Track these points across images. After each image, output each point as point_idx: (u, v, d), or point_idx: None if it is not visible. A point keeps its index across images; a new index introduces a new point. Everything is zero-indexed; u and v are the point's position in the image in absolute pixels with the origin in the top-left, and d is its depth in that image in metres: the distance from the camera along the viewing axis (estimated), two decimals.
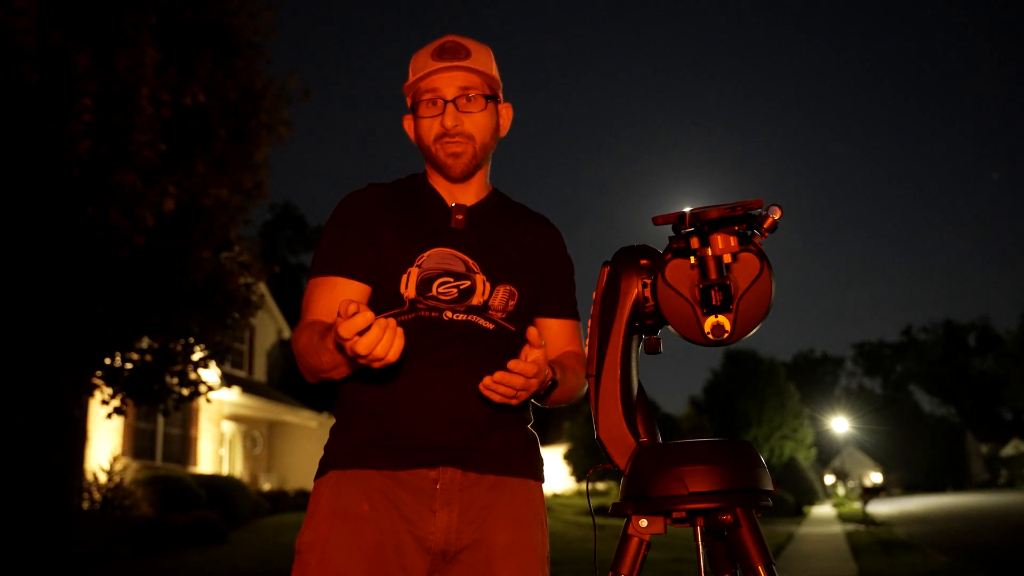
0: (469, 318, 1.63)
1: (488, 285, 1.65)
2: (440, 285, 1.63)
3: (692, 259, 1.28)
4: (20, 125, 7.96)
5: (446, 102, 1.67)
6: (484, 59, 1.71)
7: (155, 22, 9.12)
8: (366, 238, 1.67)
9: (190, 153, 9.83)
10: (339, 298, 1.63)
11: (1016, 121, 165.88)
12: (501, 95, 1.76)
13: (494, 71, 1.73)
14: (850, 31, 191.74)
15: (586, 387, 1.76)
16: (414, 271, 1.63)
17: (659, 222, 1.29)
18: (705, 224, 1.25)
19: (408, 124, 1.78)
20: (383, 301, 1.64)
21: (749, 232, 1.28)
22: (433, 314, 1.62)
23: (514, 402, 1.51)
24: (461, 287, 1.63)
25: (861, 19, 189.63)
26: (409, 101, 1.74)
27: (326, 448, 1.66)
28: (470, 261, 1.66)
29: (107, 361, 9.93)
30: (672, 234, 1.30)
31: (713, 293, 1.26)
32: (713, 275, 1.26)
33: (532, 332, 1.48)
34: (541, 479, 1.72)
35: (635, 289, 1.40)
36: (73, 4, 8.64)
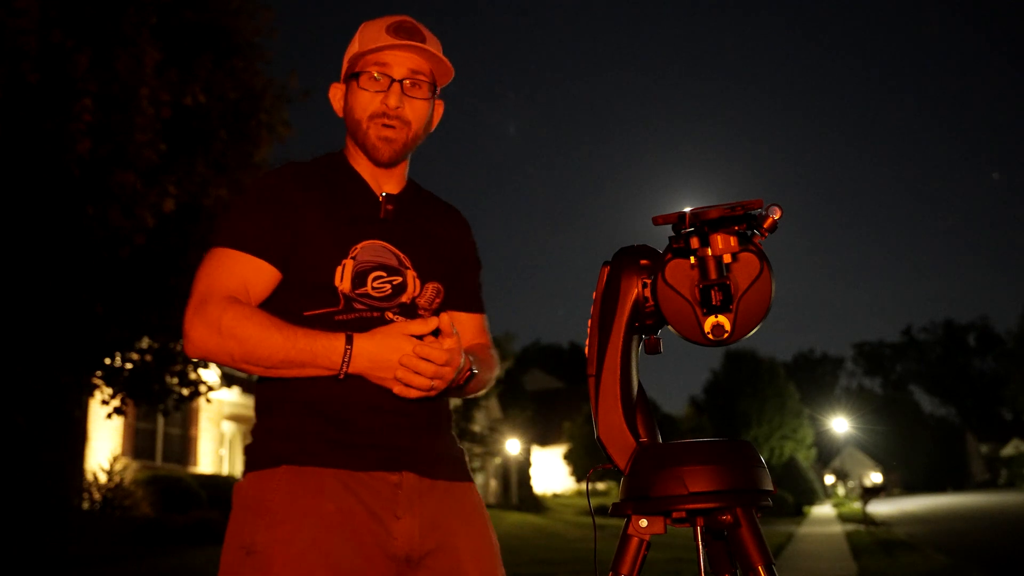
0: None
1: (418, 282, 1.62)
2: (375, 280, 1.57)
3: (692, 259, 1.28)
4: (20, 125, 7.97)
5: (393, 80, 1.59)
6: (436, 48, 1.64)
7: (155, 22, 9.12)
8: (285, 221, 1.56)
9: (190, 153, 9.83)
10: (252, 280, 1.53)
11: (1016, 121, 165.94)
12: (440, 90, 1.70)
13: (445, 63, 1.66)
14: (851, 31, 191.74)
15: (495, 379, 1.78)
16: (349, 263, 1.56)
17: (659, 222, 1.29)
18: (705, 224, 1.24)
19: (336, 93, 1.69)
20: (315, 296, 1.55)
21: (749, 232, 1.28)
22: (375, 314, 1.56)
23: (432, 394, 1.50)
24: (394, 283, 1.59)
25: (862, 19, 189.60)
26: (346, 69, 1.65)
27: (266, 439, 1.55)
28: (401, 255, 1.62)
29: (107, 361, 9.94)
30: (672, 234, 1.30)
31: (713, 293, 1.26)
32: (713, 275, 1.26)
33: (444, 319, 1.47)
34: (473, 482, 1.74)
35: (635, 289, 1.40)
36: (73, 4, 8.64)
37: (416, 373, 1.46)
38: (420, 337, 1.48)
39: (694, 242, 1.27)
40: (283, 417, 1.55)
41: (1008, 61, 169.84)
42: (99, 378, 10.11)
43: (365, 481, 1.51)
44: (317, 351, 1.46)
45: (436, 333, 1.51)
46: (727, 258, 1.24)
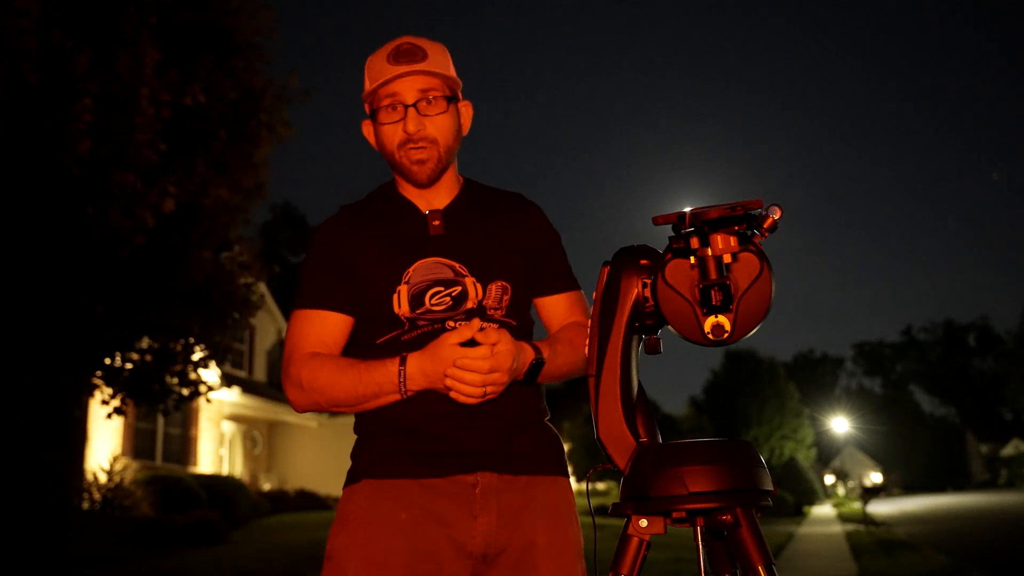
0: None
1: (479, 286, 1.64)
2: (432, 296, 1.62)
3: (692, 259, 1.28)
4: (20, 125, 7.96)
5: (407, 107, 1.64)
6: (441, 59, 1.68)
7: (155, 22, 9.12)
8: (347, 269, 1.67)
9: (190, 153, 9.83)
10: (327, 331, 1.66)
11: (1016, 121, 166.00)
12: (460, 94, 1.73)
13: (452, 70, 1.70)
14: (851, 30, 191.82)
15: None
16: (403, 288, 1.63)
17: (659, 222, 1.29)
18: (705, 224, 1.24)
19: (368, 130, 1.75)
20: (381, 325, 1.64)
21: (749, 232, 1.28)
22: (436, 326, 1.61)
23: (491, 396, 1.53)
24: (453, 294, 1.63)
25: (862, 18, 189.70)
26: (368, 107, 1.71)
27: (355, 458, 1.66)
28: (457, 266, 1.65)
29: (107, 361, 9.93)
30: (672, 234, 1.30)
31: (713, 293, 1.26)
32: (713, 275, 1.26)
33: (475, 324, 1.51)
34: (568, 475, 1.73)
35: (635, 289, 1.40)
36: (73, 4, 8.64)
37: (464, 383, 1.50)
38: (475, 343, 1.51)
39: (694, 242, 1.27)
40: (369, 437, 1.65)
41: (1008, 61, 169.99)
42: (99, 378, 10.10)
43: (441, 487, 1.57)
44: (380, 380, 1.56)
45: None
46: (727, 258, 1.24)
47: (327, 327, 1.66)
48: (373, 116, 1.70)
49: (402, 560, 1.52)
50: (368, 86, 1.67)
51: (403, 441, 1.60)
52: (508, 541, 1.57)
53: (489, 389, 1.52)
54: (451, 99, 1.68)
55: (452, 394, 1.52)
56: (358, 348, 1.66)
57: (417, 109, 1.64)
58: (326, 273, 1.68)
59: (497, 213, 1.76)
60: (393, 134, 1.66)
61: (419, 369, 1.53)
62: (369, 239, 1.68)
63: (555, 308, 1.77)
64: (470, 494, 1.57)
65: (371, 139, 1.74)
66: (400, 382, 1.54)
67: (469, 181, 1.81)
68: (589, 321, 1.78)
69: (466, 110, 1.75)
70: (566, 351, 1.68)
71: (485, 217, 1.74)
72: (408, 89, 1.64)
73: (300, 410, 1.65)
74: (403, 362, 1.54)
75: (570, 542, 1.64)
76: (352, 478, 1.64)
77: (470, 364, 1.49)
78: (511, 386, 1.58)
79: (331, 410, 1.63)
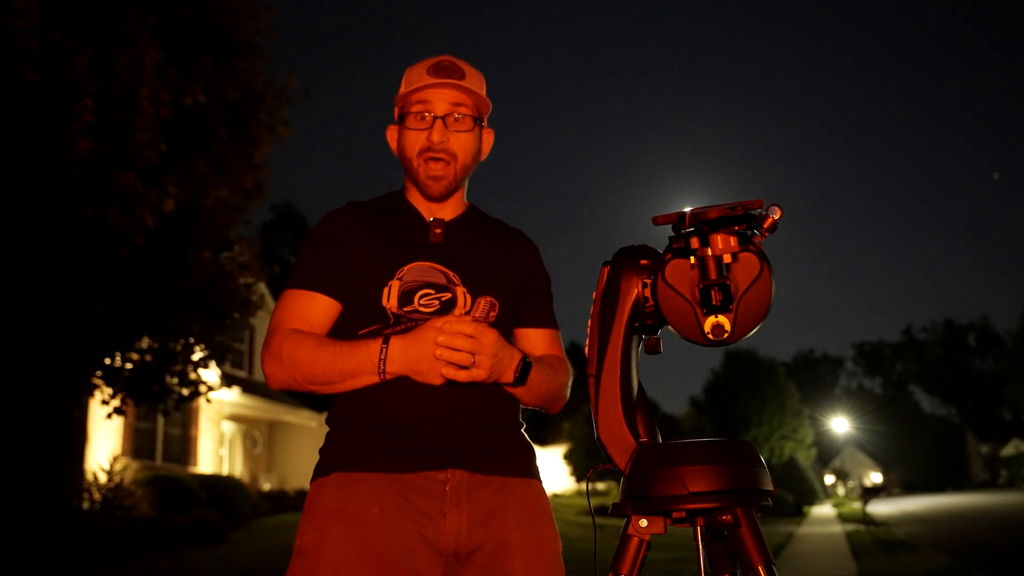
0: None
1: (469, 297, 1.67)
2: (422, 297, 1.65)
3: (692, 259, 1.28)
4: (20, 125, 7.97)
5: (435, 117, 1.69)
6: (477, 82, 1.74)
7: (155, 22, 9.13)
8: (343, 258, 1.70)
9: (190, 153, 9.83)
10: (312, 312, 1.68)
11: (1016, 121, 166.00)
12: (486, 120, 1.79)
13: (484, 95, 1.76)
14: (850, 30, 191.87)
15: (568, 386, 1.80)
16: (395, 284, 1.65)
17: (659, 222, 1.29)
18: (705, 224, 1.25)
19: (392, 135, 1.80)
20: (366, 317, 1.65)
21: (749, 232, 1.28)
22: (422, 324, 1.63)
23: (479, 373, 1.54)
24: (442, 299, 1.65)
25: (862, 18, 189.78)
26: (397, 112, 1.77)
27: (325, 451, 1.66)
28: (450, 273, 1.68)
29: (107, 361, 9.94)
30: (672, 234, 1.30)
31: (713, 293, 1.26)
32: (713, 275, 1.26)
33: (467, 321, 1.54)
34: (541, 480, 1.74)
35: (635, 289, 1.40)
36: (73, 4, 8.65)
37: (454, 347, 1.52)
38: None
39: (694, 242, 1.27)
40: (340, 431, 1.66)
41: (1008, 61, 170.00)
42: (99, 378, 10.10)
43: (413, 482, 1.57)
44: (360, 356, 1.58)
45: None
46: (727, 258, 1.25)
47: (313, 308, 1.68)
48: (401, 120, 1.74)
49: (375, 556, 1.51)
50: (403, 90, 1.73)
51: (376, 435, 1.60)
52: (481, 541, 1.57)
53: (479, 359, 1.53)
54: (478, 120, 1.75)
55: (443, 369, 1.54)
56: (342, 337, 1.67)
57: (444, 122, 1.69)
58: (321, 258, 1.71)
59: (497, 238, 1.81)
60: (416, 141, 1.71)
61: (401, 350, 1.55)
62: (370, 233, 1.72)
63: (536, 341, 1.80)
64: (440, 491, 1.57)
65: (392, 144, 1.80)
66: (380, 360, 1.55)
67: (475, 206, 1.86)
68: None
69: (488, 136, 1.81)
70: (549, 372, 1.71)
71: (485, 237, 1.79)
72: (440, 101, 1.70)
73: (276, 386, 1.65)
74: (386, 341, 1.57)
75: (545, 543, 1.64)
76: (321, 471, 1.63)
77: (461, 328, 1.52)
78: (492, 388, 1.62)
79: (306, 388, 1.62)
